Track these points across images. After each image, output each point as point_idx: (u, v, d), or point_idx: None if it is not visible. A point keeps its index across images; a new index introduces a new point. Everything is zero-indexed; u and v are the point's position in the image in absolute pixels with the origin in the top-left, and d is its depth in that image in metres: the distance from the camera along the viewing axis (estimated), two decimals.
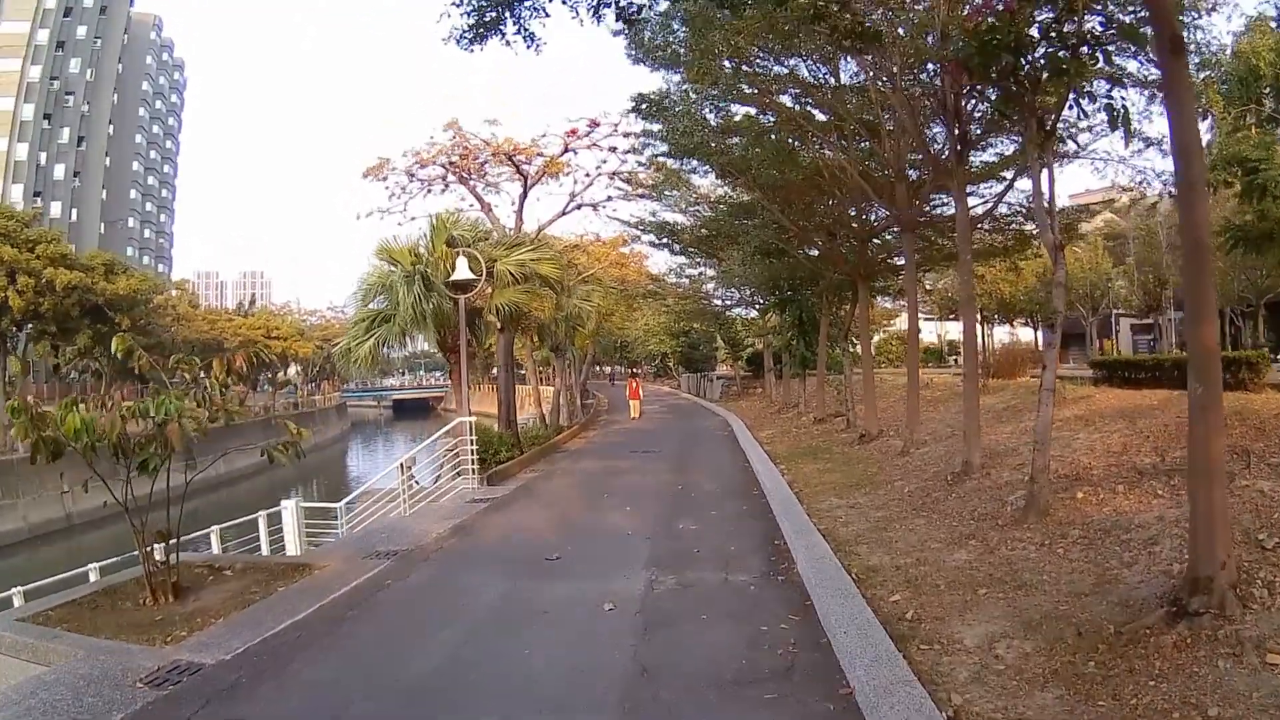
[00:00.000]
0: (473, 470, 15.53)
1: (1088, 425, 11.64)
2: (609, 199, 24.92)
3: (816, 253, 20.85)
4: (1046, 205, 8.86)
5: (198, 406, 8.26)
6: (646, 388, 51.65)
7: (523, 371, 58.16)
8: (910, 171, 15.26)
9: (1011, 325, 49.76)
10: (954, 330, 60.97)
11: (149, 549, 7.78)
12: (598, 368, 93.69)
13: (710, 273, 36.24)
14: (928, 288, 39.62)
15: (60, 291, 36.48)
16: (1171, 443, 9.78)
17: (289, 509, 13.62)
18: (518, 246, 17.44)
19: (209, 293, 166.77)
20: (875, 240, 18.29)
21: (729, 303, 38.55)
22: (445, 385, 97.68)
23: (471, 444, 15.56)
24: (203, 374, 9.03)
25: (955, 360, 55.82)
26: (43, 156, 76.96)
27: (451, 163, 22.60)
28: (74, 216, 78.21)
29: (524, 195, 22.38)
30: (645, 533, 10.40)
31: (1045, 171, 8.96)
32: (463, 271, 15.84)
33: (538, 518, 12.10)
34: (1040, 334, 47.53)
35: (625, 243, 34.61)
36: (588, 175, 22.74)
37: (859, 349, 21.56)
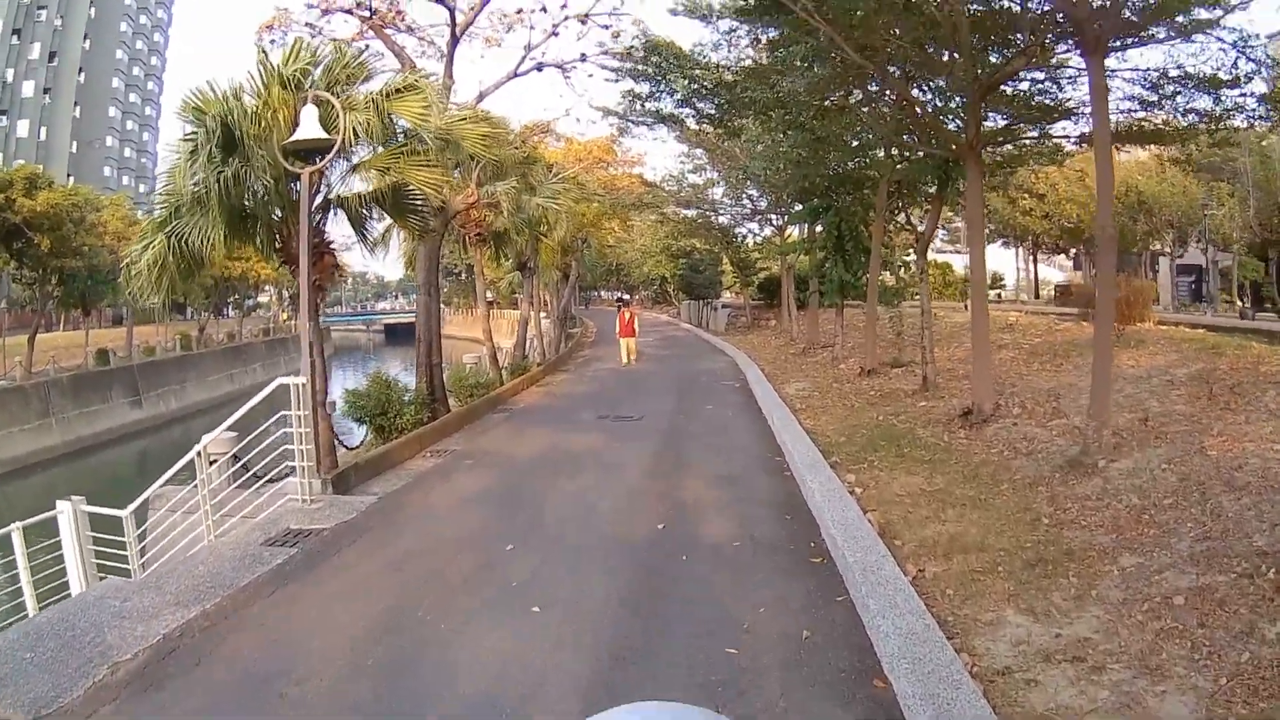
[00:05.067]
0: (304, 467, 8.95)
1: None
2: (583, 58, 17.71)
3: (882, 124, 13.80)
4: None
5: None
6: (641, 316, 44.61)
7: (492, 298, 51.45)
8: None
9: (1067, 256, 42.71)
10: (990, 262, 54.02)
11: None
12: (595, 293, 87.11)
13: (716, 177, 29.46)
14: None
15: None
16: None
17: (66, 516, 7.85)
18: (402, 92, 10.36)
19: None
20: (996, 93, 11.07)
21: (741, 211, 31.44)
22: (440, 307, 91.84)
23: (302, 424, 8.92)
24: None
25: (998, 296, 48.89)
26: (9, 73, 72.13)
27: (359, 2, 15.70)
28: (43, 135, 73.97)
29: (453, 41, 15.40)
30: None
31: None
32: (309, 128, 9.02)
33: (339, 628, 5.52)
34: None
35: (615, 139, 27.75)
36: (544, 10, 15.69)
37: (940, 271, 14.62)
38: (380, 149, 10.49)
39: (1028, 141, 13.36)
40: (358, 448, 13.49)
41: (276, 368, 63.82)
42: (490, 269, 29.46)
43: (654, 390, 17.64)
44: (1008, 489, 7.53)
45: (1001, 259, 54.83)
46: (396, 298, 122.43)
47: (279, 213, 10.21)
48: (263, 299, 78.51)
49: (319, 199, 10.50)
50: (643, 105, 17.39)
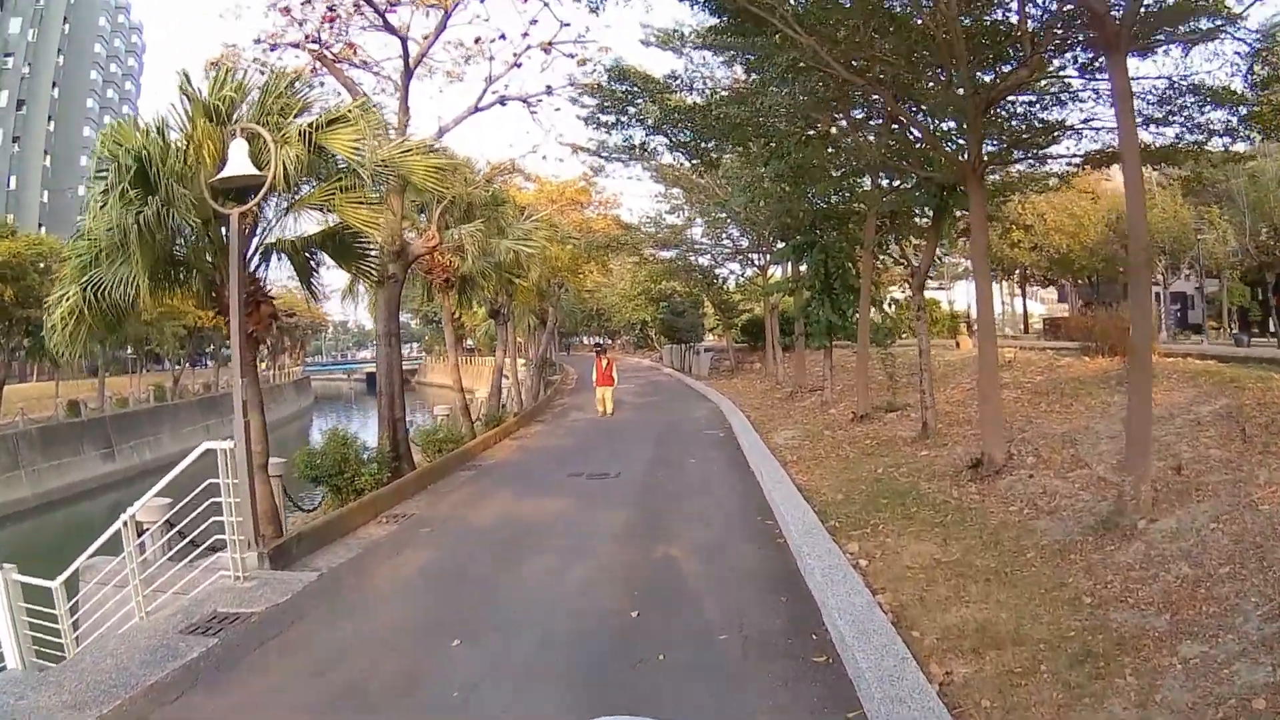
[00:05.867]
0: (236, 540, 7.87)
1: None
2: (548, 91, 16.88)
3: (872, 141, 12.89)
4: None
5: None
6: (623, 362, 43.46)
7: (470, 344, 50.22)
8: None
9: (1055, 287, 42.02)
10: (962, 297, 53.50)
11: None
12: (576, 338, 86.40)
13: (695, 216, 28.78)
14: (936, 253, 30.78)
15: None
16: None
17: None
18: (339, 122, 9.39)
19: None
20: (998, 109, 10.09)
21: (722, 252, 30.59)
22: (420, 356, 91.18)
23: (232, 492, 7.85)
24: None
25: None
26: None
27: (307, 36, 14.91)
28: (12, 184, 72.17)
29: (407, 73, 14.52)
30: None
31: None
32: (238, 164, 8.09)
33: None
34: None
35: (588, 179, 27.02)
36: (503, 38, 14.95)
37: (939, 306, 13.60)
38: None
39: (1032, 162, 12.49)
40: (315, 509, 12.42)
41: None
42: (467, 316, 28.52)
43: (632, 442, 16.58)
44: (1035, 558, 6.50)
45: None
46: (376, 345, 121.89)
47: (210, 258, 9.25)
48: None
49: (256, 243, 9.56)
50: (609, 132, 16.53)
